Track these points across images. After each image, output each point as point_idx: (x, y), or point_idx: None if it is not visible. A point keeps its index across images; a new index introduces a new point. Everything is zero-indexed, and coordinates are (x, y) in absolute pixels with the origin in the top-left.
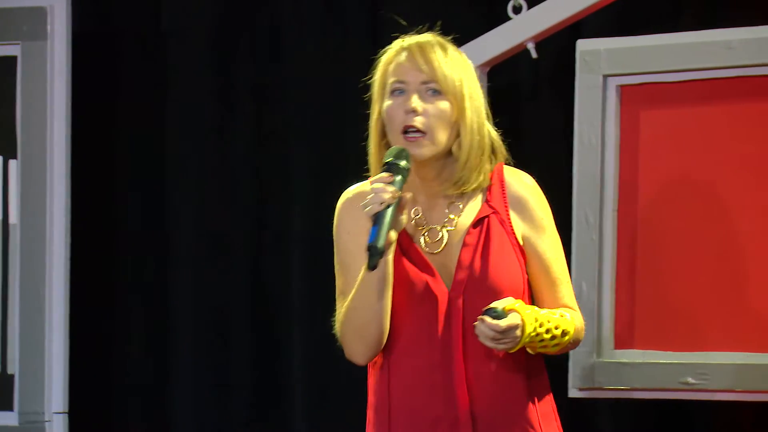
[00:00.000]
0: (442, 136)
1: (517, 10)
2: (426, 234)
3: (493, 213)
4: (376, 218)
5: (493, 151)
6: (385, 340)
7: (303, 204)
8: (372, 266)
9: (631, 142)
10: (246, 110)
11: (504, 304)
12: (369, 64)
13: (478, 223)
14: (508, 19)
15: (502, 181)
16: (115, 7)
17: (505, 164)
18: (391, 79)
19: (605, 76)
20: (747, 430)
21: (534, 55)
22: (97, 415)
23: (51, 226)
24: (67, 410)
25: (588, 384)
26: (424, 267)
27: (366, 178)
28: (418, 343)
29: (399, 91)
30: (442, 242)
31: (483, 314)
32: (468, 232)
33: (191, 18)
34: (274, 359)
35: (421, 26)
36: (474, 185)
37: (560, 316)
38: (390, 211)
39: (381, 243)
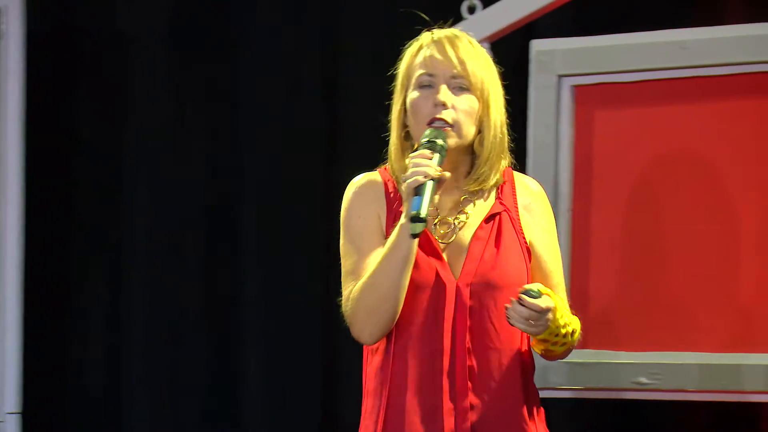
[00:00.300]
0: (469, 131)
1: (472, 10)
2: (438, 224)
3: (504, 210)
4: (418, 190)
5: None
6: (395, 321)
7: (259, 204)
8: (415, 234)
9: (586, 142)
10: (202, 110)
11: (538, 287)
12: (325, 63)
13: (490, 218)
14: (463, 19)
15: (512, 183)
16: (70, 7)
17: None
18: (419, 72)
19: (560, 76)
20: (700, 430)
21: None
22: (50, 415)
23: (4, 227)
24: (20, 411)
25: (542, 384)
26: (435, 255)
27: (367, 169)
28: (424, 329)
29: (426, 85)
30: (453, 233)
31: (520, 294)
32: (480, 226)
33: (147, 17)
34: (229, 360)
35: (442, 21)
36: (491, 182)
37: (573, 314)
38: (431, 184)
39: (425, 212)
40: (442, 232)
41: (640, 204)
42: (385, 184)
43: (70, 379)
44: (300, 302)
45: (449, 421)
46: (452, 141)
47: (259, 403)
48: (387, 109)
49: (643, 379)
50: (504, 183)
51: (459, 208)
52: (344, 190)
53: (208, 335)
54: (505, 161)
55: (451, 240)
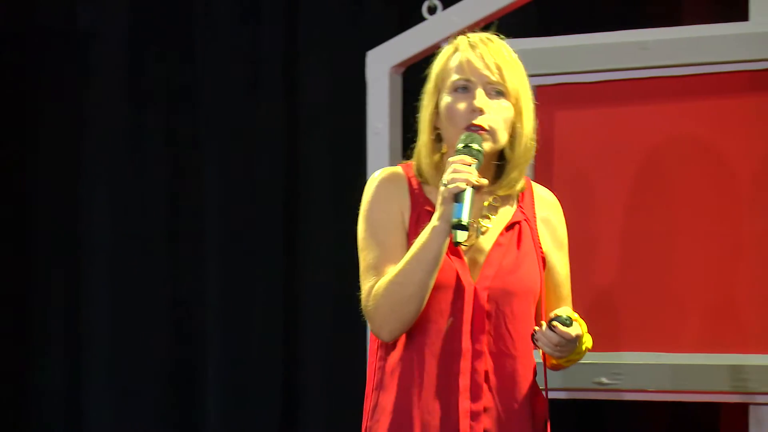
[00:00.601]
0: (503, 136)
1: (432, 10)
2: None
3: (525, 220)
4: (457, 197)
5: None
6: (415, 320)
7: (217, 204)
8: (457, 242)
9: (547, 142)
10: (161, 109)
11: (567, 312)
12: (283, 64)
13: (511, 226)
14: (423, 19)
15: (531, 194)
16: (29, 6)
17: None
18: (454, 76)
19: None
20: (661, 429)
21: None
22: (11, 415)
23: None
24: None
25: None
26: (457, 256)
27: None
28: (438, 329)
29: (462, 89)
30: (475, 237)
31: (552, 321)
32: (501, 233)
33: (106, 17)
34: (189, 361)
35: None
36: (518, 188)
37: (585, 331)
38: (471, 191)
39: (467, 219)
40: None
41: (600, 203)
42: (409, 181)
43: (30, 380)
44: (261, 302)
45: (465, 423)
46: (487, 146)
47: (218, 403)
48: (346, 108)
49: (604, 379)
50: (524, 192)
51: (483, 212)
52: (303, 190)
53: (170, 336)
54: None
55: (472, 244)
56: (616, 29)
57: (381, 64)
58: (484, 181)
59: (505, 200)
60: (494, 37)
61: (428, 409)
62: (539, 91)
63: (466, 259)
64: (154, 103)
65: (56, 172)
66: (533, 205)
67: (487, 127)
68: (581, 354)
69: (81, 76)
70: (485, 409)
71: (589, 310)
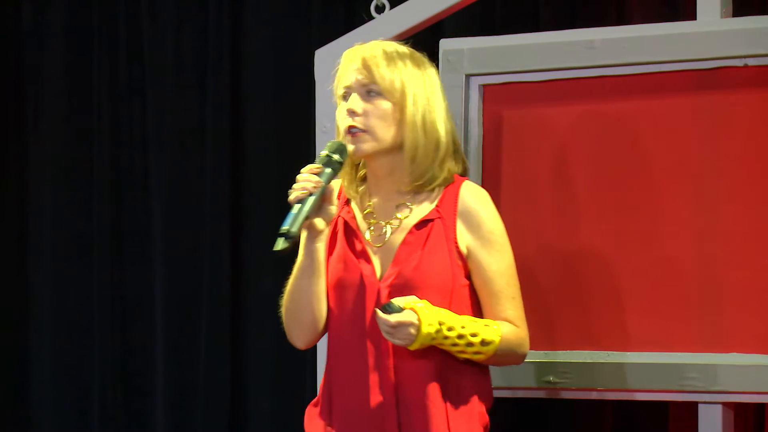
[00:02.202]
0: (385, 134)
1: (380, 9)
2: (372, 228)
3: (438, 218)
4: (298, 204)
5: (457, 154)
6: (321, 327)
7: (162, 204)
8: (279, 251)
9: (494, 141)
10: (104, 110)
11: (404, 302)
12: (229, 62)
13: (422, 224)
14: (371, 18)
15: (456, 192)
16: None
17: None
18: (338, 88)
19: (468, 76)
20: (609, 429)
21: None
22: None
23: None
24: None
25: None
26: (363, 258)
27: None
28: (350, 328)
29: (346, 96)
30: (384, 238)
31: (378, 308)
32: (410, 231)
33: (49, 16)
34: (135, 358)
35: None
36: (432, 184)
37: (484, 326)
38: (311, 200)
39: (294, 229)
40: (375, 234)
41: (548, 204)
42: (340, 191)
43: None
44: (207, 300)
45: (377, 417)
46: (367, 146)
47: (163, 402)
48: (294, 107)
49: (552, 378)
50: (445, 193)
51: (393, 213)
52: (249, 189)
53: (114, 334)
54: (454, 167)
55: (381, 244)
56: (559, 29)
57: (329, 63)
58: (331, 186)
59: (422, 199)
60: (380, 43)
61: (351, 403)
62: (486, 90)
63: (377, 258)
64: (99, 101)
65: (2, 173)
66: (455, 202)
67: (363, 127)
68: (481, 348)
69: (26, 75)
70: (397, 402)
71: (536, 309)
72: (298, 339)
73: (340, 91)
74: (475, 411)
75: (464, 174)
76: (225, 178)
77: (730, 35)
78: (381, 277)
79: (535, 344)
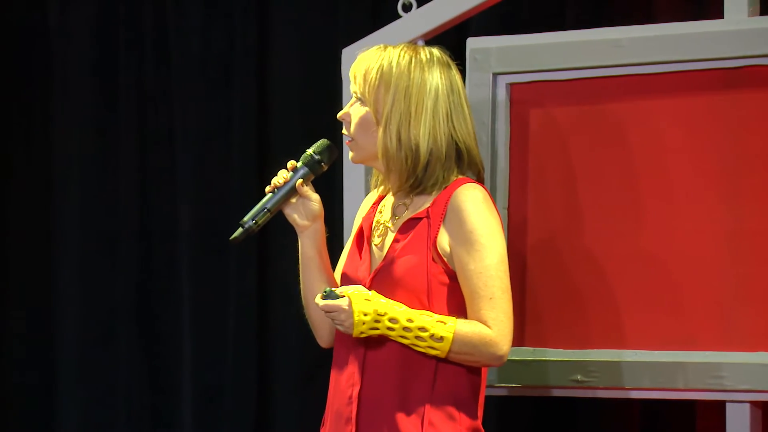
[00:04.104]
0: (366, 142)
1: (407, 8)
2: (380, 227)
3: (425, 218)
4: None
5: (460, 159)
6: (327, 323)
7: (189, 202)
8: (232, 239)
9: (522, 140)
10: (131, 108)
11: (344, 290)
12: (255, 61)
13: (409, 223)
14: (398, 17)
15: (450, 193)
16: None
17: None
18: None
19: (495, 74)
20: (636, 428)
21: None
22: None
23: None
24: None
25: None
26: (364, 255)
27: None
28: None
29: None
30: (384, 237)
31: (320, 293)
32: (400, 229)
33: (77, 15)
34: (161, 358)
35: None
36: (422, 188)
37: (437, 321)
38: (269, 195)
39: (245, 219)
40: (377, 236)
41: (575, 201)
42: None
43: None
44: (234, 299)
45: (346, 410)
46: (352, 154)
47: (191, 405)
48: (321, 106)
49: (580, 377)
50: (440, 194)
51: (392, 215)
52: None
53: (140, 338)
54: (455, 171)
55: (379, 243)
56: (588, 27)
57: None
58: (298, 182)
59: (420, 200)
60: (381, 46)
61: (333, 395)
62: (513, 89)
63: (375, 256)
64: (125, 100)
65: (25, 171)
66: (446, 203)
67: (348, 134)
68: (431, 343)
69: (50, 74)
70: (360, 396)
71: (563, 307)
72: (317, 337)
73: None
74: (458, 413)
75: (479, 177)
76: (251, 177)
77: (757, 34)
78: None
79: (562, 343)
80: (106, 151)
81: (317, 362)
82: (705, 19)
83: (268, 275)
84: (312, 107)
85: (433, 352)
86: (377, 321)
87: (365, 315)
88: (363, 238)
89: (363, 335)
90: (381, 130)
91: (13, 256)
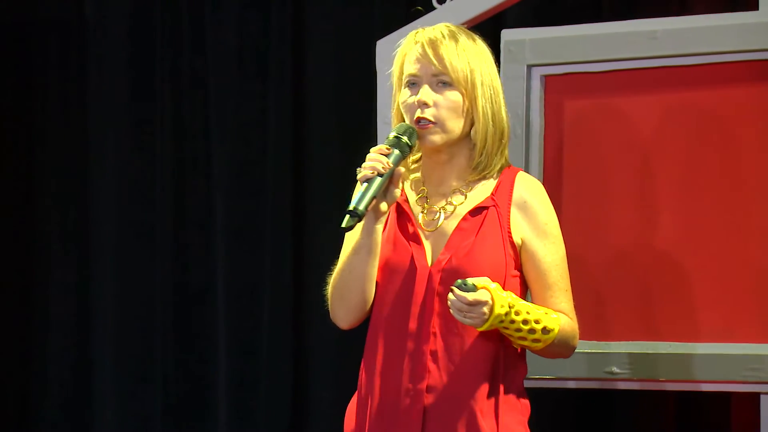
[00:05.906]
0: (454, 125)
1: (442, 0)
2: (425, 212)
3: (493, 206)
4: (366, 183)
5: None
6: (367, 308)
7: (224, 194)
8: (346, 227)
9: (556, 132)
10: (167, 100)
11: (478, 282)
12: (290, 53)
13: (476, 211)
14: (433, 9)
15: (512, 181)
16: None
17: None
18: (405, 72)
19: (529, 66)
20: (669, 420)
21: None
22: (14, 410)
23: None
24: None
25: None
26: (414, 241)
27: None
28: (395, 311)
29: (412, 84)
30: (437, 223)
31: (455, 285)
32: (465, 218)
33: (113, 8)
34: (196, 350)
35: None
36: (495, 169)
37: (545, 313)
38: (379, 180)
39: (361, 207)
40: (427, 219)
41: (610, 193)
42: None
43: (36, 374)
44: (269, 291)
45: (404, 402)
46: (437, 138)
47: (226, 397)
48: (355, 98)
49: (615, 369)
50: (501, 181)
51: (448, 199)
52: (311, 179)
53: (177, 327)
54: (505, 153)
55: (434, 229)
56: (623, 19)
57: (391, 54)
58: (401, 170)
59: (479, 187)
60: (445, 27)
61: (380, 389)
62: (548, 81)
63: (429, 242)
64: (161, 92)
65: (62, 164)
66: (510, 192)
67: (433, 119)
68: (542, 336)
69: (86, 67)
70: (428, 389)
71: (597, 300)
72: (342, 319)
73: (406, 77)
74: (521, 402)
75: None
76: (287, 169)
77: None
78: (432, 261)
79: (597, 335)
80: (142, 143)
81: (352, 355)
82: (740, 11)
83: (304, 268)
84: (347, 99)
85: (535, 345)
86: (507, 314)
87: (502, 307)
88: (401, 222)
89: (490, 328)
90: (479, 114)
91: (51, 247)
